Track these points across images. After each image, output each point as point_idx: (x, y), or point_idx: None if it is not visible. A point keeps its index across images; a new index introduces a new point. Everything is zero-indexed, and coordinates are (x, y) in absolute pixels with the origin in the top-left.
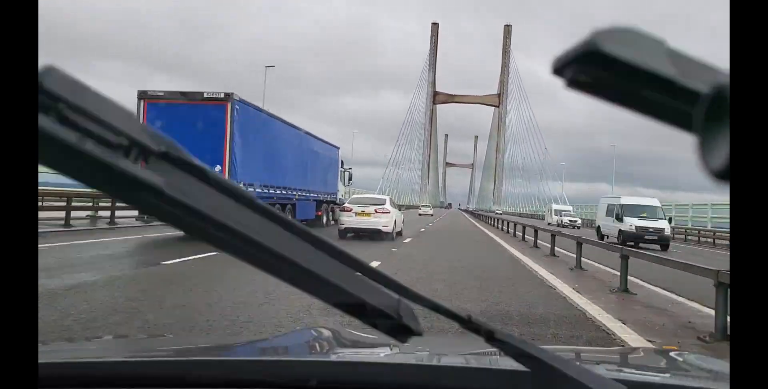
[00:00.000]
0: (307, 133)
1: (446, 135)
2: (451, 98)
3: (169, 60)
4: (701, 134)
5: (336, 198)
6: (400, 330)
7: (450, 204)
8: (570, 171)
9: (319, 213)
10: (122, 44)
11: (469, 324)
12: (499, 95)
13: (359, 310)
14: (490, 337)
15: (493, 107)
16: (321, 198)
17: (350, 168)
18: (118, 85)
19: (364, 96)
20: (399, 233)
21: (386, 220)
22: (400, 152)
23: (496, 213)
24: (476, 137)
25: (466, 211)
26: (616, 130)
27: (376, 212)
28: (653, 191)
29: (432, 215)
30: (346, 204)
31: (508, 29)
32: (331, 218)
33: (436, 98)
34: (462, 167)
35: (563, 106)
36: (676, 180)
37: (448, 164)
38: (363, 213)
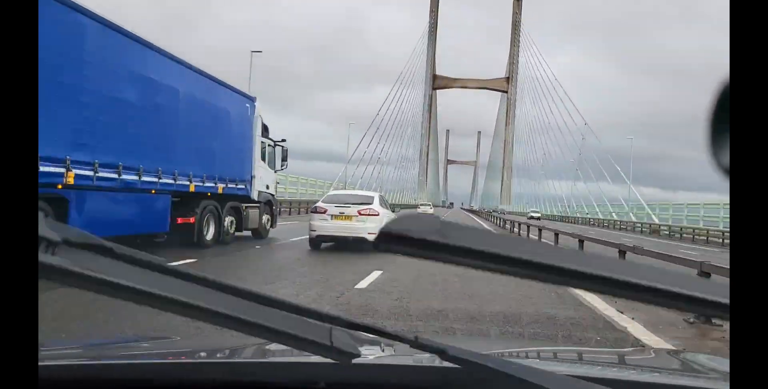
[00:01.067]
0: (151, 47)
1: (448, 131)
2: (452, 83)
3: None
4: (711, 132)
5: (248, 191)
6: (336, 355)
7: (452, 203)
8: (571, 170)
9: (189, 220)
10: None
11: (416, 344)
12: (507, 79)
13: (292, 343)
14: (443, 355)
15: (500, 94)
16: (192, 189)
17: (284, 140)
18: None
19: (356, 90)
20: None
21: (374, 225)
22: (389, 145)
23: (531, 217)
24: (479, 132)
25: (471, 211)
26: (616, 128)
27: (360, 214)
28: (654, 190)
29: (432, 214)
30: (319, 204)
31: (518, 2)
32: (231, 228)
33: (436, 82)
34: (464, 164)
35: (559, 101)
36: (679, 179)
37: (449, 162)
38: (342, 216)
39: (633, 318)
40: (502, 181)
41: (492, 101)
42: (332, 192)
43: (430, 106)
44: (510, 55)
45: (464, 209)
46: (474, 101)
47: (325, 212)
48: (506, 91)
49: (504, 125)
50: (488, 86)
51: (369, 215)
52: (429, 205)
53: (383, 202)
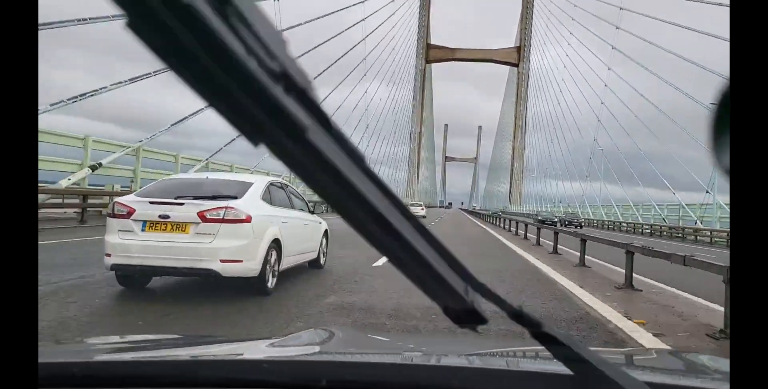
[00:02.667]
0: None
1: (446, 126)
2: (450, 53)
3: (133, 49)
4: (714, 134)
5: None
6: (469, 318)
7: (450, 203)
8: (567, 169)
9: None
10: (83, 32)
11: (517, 315)
12: (518, 49)
13: (437, 289)
14: (537, 332)
15: (506, 82)
16: None
17: None
18: (86, 75)
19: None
20: (318, 265)
21: (236, 243)
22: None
23: None
24: (480, 126)
25: (473, 213)
26: (614, 125)
27: (206, 219)
28: (653, 190)
29: (425, 216)
30: (123, 198)
31: None
32: None
33: (430, 53)
34: (463, 161)
35: (555, 97)
36: (679, 179)
37: (447, 159)
38: (165, 225)
39: None
40: (511, 176)
41: (492, 93)
42: (167, 178)
43: (423, 82)
44: (522, 18)
45: (464, 210)
46: (474, 93)
47: (129, 216)
48: (516, 65)
49: (512, 108)
50: (495, 58)
51: (225, 221)
52: (420, 205)
53: (276, 193)
